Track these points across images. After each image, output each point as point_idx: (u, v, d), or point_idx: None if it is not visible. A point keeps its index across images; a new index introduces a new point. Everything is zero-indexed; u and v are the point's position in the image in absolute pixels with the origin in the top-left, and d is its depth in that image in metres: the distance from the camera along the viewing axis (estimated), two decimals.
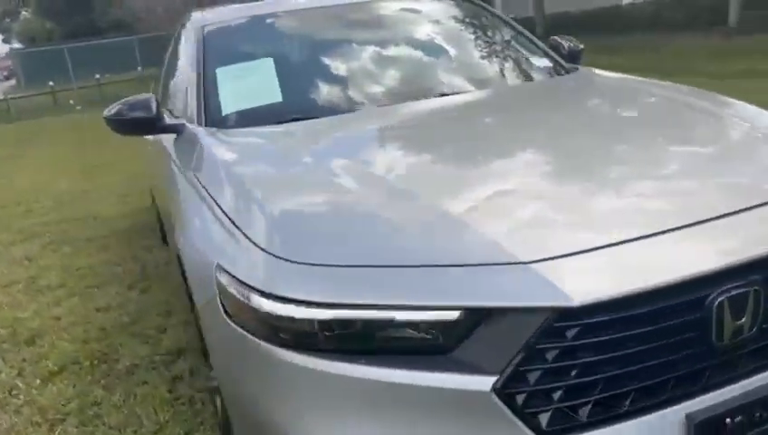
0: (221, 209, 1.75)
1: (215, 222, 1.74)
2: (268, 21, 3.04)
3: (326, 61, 2.81)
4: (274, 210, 1.63)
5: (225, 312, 1.54)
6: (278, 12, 3.10)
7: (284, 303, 1.38)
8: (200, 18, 3.09)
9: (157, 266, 4.16)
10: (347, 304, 1.35)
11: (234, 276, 1.50)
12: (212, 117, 2.49)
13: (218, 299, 1.56)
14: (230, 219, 1.67)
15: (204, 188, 1.95)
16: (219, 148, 2.21)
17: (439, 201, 1.59)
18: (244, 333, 1.46)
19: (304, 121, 2.37)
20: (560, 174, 1.77)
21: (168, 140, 2.70)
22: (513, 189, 1.67)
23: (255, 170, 2.01)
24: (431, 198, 1.62)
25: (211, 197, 1.86)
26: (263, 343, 1.42)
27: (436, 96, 2.60)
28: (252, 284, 1.44)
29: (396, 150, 2.15)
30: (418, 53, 2.93)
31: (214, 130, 2.38)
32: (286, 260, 1.43)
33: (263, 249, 1.48)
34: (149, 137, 3.15)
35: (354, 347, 1.36)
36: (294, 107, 2.53)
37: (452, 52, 2.97)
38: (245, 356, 1.49)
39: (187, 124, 2.53)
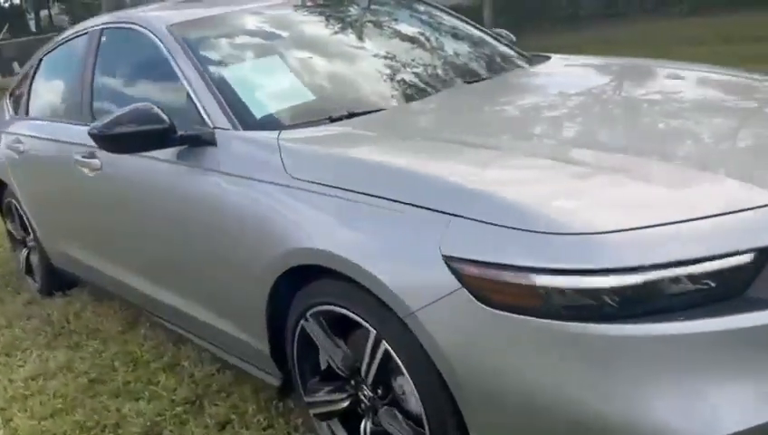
0: (425, 207, 1.63)
1: (407, 221, 1.65)
2: (241, 18, 2.87)
3: (338, 57, 2.74)
4: (521, 192, 1.57)
5: (483, 301, 1.49)
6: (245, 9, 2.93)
7: (571, 275, 1.40)
8: (155, 17, 2.80)
9: None
10: (638, 267, 1.38)
11: (496, 263, 1.48)
12: (245, 120, 2.29)
13: (464, 292, 1.51)
14: (453, 213, 1.58)
15: (354, 191, 1.79)
16: (343, 147, 2.07)
17: (667, 156, 1.74)
18: (525, 317, 1.45)
19: (376, 114, 2.32)
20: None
21: (169, 154, 2.39)
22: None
23: (444, 157, 1.89)
24: (659, 155, 1.74)
25: (383, 198, 1.71)
26: (564, 322, 1.42)
27: (468, 82, 2.66)
28: (532, 264, 1.44)
29: (554, 118, 2.24)
30: (418, 49, 2.93)
31: (279, 132, 2.17)
32: (566, 234, 1.43)
33: (530, 230, 1.46)
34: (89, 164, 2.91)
35: (644, 309, 1.39)
36: (338, 104, 2.41)
37: (447, 45, 3.04)
38: (529, 341, 1.47)
39: (229, 131, 2.26)
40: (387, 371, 1.85)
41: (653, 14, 12.47)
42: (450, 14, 3.29)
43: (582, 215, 1.49)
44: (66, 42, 3.54)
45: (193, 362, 2.92)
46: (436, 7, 3.32)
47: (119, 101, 2.94)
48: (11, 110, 4.04)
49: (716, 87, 2.48)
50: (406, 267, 1.63)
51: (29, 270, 4.20)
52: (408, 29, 3.05)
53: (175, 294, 2.65)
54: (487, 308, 1.49)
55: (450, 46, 3.03)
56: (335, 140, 2.15)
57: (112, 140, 2.35)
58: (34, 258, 4.07)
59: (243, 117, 2.31)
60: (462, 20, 3.28)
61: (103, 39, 3.08)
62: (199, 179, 2.30)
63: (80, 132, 3.03)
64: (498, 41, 3.20)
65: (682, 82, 2.58)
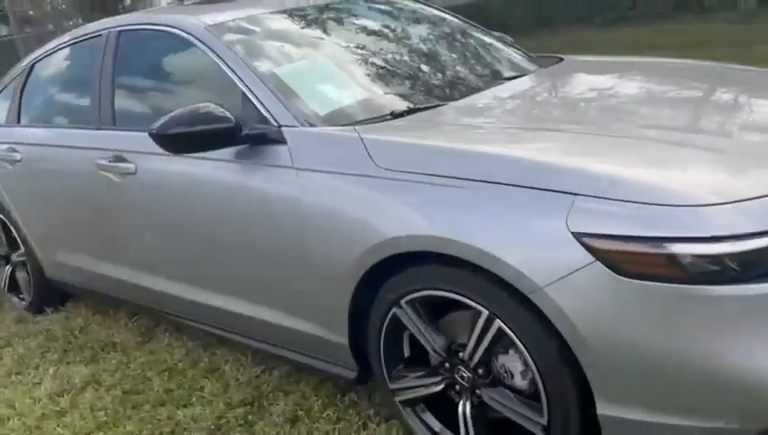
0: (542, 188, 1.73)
1: (523, 203, 1.75)
2: (272, 20, 2.87)
3: (377, 57, 2.77)
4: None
5: (616, 272, 1.60)
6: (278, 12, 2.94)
7: (698, 242, 1.54)
8: (188, 19, 2.74)
9: None
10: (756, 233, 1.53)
11: (628, 235, 1.59)
12: (309, 118, 2.31)
13: (597, 265, 1.61)
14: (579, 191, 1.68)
15: (468, 179, 1.85)
16: (444, 139, 2.13)
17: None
18: (657, 284, 1.57)
19: (439, 109, 2.39)
20: None
21: (222, 154, 2.36)
22: None
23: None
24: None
25: (503, 184, 1.79)
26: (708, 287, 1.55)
27: (505, 79, 2.78)
28: (663, 234, 1.56)
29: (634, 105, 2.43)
30: (447, 51, 3.06)
31: (354, 127, 2.20)
32: (689, 206, 1.57)
33: (658, 204, 1.58)
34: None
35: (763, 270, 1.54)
36: (391, 101, 2.50)
37: (469, 48, 3.15)
38: (661, 306, 1.59)
39: (298, 128, 2.27)
40: (491, 350, 1.93)
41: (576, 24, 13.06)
42: (459, 18, 3.41)
43: (701, 188, 1.63)
44: (65, 47, 3.42)
45: (234, 366, 2.89)
46: (442, 11, 3.44)
47: (151, 103, 2.91)
48: None
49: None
50: (532, 246, 1.72)
51: (12, 287, 4.00)
52: (430, 33, 3.14)
53: (225, 296, 2.62)
54: (620, 278, 1.61)
55: (470, 49, 3.14)
56: (427, 133, 2.21)
57: (175, 140, 2.32)
58: (22, 274, 3.89)
59: (306, 115, 2.33)
60: (471, 24, 3.40)
61: (122, 42, 3.00)
62: (268, 177, 2.30)
63: (103, 137, 2.97)
64: (505, 43, 3.35)
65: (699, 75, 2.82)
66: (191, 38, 2.66)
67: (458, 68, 2.85)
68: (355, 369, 2.33)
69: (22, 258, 3.82)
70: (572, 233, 1.65)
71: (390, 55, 2.82)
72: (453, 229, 1.83)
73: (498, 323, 1.84)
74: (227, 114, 2.28)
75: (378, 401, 2.48)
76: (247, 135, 2.32)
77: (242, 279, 2.53)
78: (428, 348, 2.07)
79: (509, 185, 1.78)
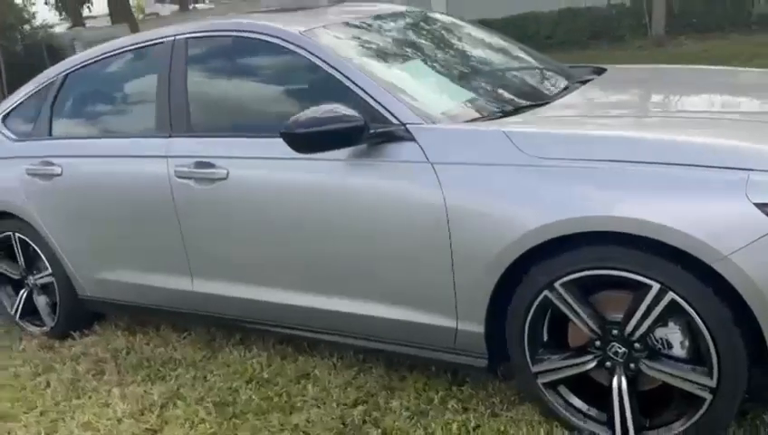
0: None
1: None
2: (358, 27, 2.99)
3: (464, 62, 2.97)
4: None
5: None
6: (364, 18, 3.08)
7: None
8: (285, 27, 2.75)
9: None
10: None
11: None
12: (430, 116, 2.39)
13: None
14: None
15: (638, 162, 2.00)
16: (597, 127, 2.31)
17: None
18: None
19: (548, 106, 2.57)
20: None
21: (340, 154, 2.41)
22: None
23: None
24: None
25: (679, 165, 1.96)
26: None
27: (580, 83, 2.94)
28: None
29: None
30: (514, 61, 3.26)
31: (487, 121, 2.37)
32: None
33: None
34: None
35: None
36: (493, 101, 2.66)
37: (529, 60, 3.31)
38: None
39: (427, 125, 2.35)
40: (656, 323, 2.07)
41: None
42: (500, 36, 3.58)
43: None
44: (109, 56, 3.30)
45: (325, 371, 2.88)
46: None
47: (244, 108, 2.87)
48: (11, 134, 3.63)
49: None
50: (714, 219, 1.89)
51: (26, 313, 3.75)
52: (494, 44, 3.30)
53: (337, 298, 2.61)
54: None
55: (526, 62, 3.30)
56: (569, 124, 2.40)
57: (306, 139, 2.34)
58: (41, 298, 3.67)
59: (427, 114, 2.42)
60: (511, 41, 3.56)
61: (193, 49, 2.96)
62: (398, 173, 2.36)
63: (179, 144, 2.90)
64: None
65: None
66: (286, 44, 2.68)
67: (527, 77, 3.03)
68: (486, 357, 2.41)
69: (45, 280, 3.60)
70: (754, 204, 1.83)
71: (472, 63, 2.97)
72: (632, 209, 1.97)
73: (671, 294, 1.99)
74: (356, 114, 2.33)
75: (493, 390, 2.57)
76: (374, 133, 2.37)
77: (361, 278, 2.54)
78: (583, 327, 2.18)
79: (683, 165, 1.95)
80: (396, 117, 2.40)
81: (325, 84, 2.58)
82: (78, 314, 3.61)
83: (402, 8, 3.42)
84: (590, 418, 2.27)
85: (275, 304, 2.79)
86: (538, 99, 2.70)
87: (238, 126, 2.85)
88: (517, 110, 2.55)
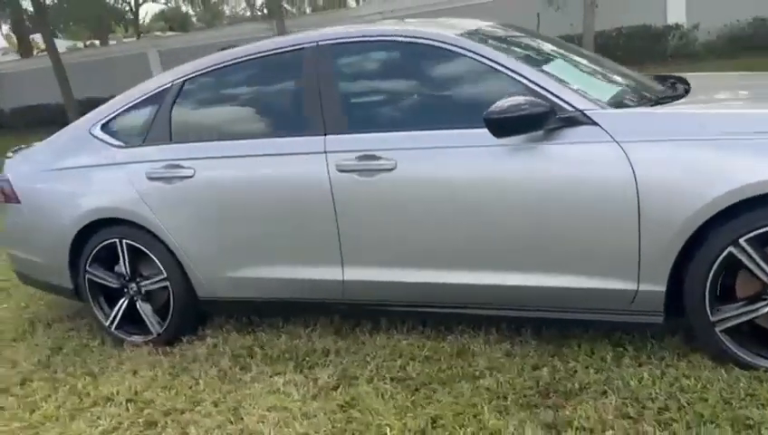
0: None
1: None
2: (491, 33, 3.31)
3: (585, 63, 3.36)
4: None
5: None
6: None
7: None
8: (441, 30, 3.07)
9: None
10: None
11: None
12: (600, 103, 2.74)
13: None
14: None
15: None
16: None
17: None
18: None
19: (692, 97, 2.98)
20: None
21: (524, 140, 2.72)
22: None
23: None
24: None
25: None
26: None
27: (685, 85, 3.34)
28: None
29: None
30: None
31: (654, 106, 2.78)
32: None
33: None
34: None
35: None
36: (638, 93, 3.05)
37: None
38: None
39: (603, 110, 2.70)
40: None
41: None
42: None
43: None
44: (233, 63, 3.43)
45: (481, 345, 3.11)
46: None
47: (399, 105, 3.12)
48: (114, 141, 3.66)
49: None
50: None
51: (122, 324, 3.72)
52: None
53: (507, 274, 2.87)
54: None
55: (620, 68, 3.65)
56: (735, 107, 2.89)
57: (504, 124, 2.65)
58: (147, 306, 3.66)
59: (598, 100, 2.77)
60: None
61: (339, 53, 3.17)
62: (586, 153, 2.68)
63: (340, 141, 3.08)
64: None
65: None
66: (448, 46, 2.96)
67: (642, 79, 3.44)
68: (662, 314, 2.74)
69: (157, 285, 3.60)
70: None
71: (593, 65, 3.35)
72: None
73: None
74: (543, 102, 2.65)
75: (657, 346, 2.90)
76: (560, 118, 2.69)
77: (542, 252, 2.81)
78: (763, 277, 2.56)
79: None
80: (571, 104, 2.73)
81: (488, 80, 2.90)
82: (190, 318, 3.64)
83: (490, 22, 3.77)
84: (761, 356, 2.64)
85: (438, 285, 3.00)
86: (670, 95, 3.11)
87: (401, 121, 3.08)
88: (658, 101, 2.95)
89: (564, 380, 2.76)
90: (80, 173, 3.70)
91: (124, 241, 3.59)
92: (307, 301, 3.37)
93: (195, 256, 3.46)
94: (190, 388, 3.13)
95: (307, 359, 3.24)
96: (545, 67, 3.01)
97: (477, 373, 2.89)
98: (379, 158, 2.98)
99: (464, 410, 2.64)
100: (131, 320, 3.73)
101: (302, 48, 3.26)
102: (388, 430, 2.58)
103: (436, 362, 3.03)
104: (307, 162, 3.13)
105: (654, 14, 14.11)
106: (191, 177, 3.37)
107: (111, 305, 3.77)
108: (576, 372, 2.81)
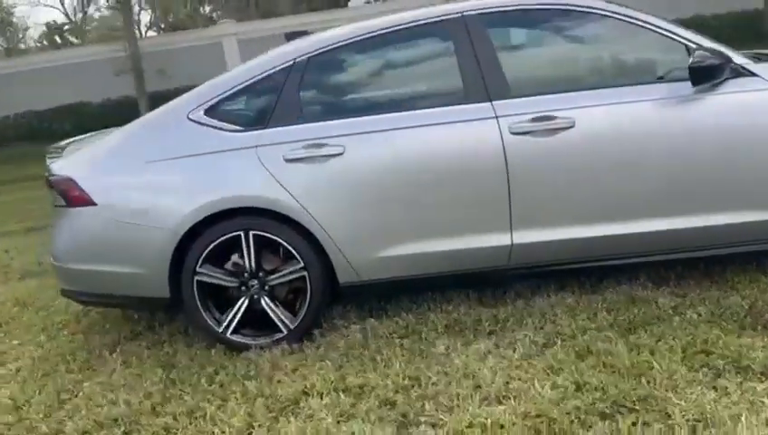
0: None
1: None
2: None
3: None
4: None
5: None
6: None
7: None
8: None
9: None
10: None
11: None
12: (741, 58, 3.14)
13: None
14: None
15: None
16: None
17: None
18: None
19: None
20: None
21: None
22: None
23: None
24: None
25: None
26: None
27: None
28: None
29: None
30: None
31: None
32: None
33: None
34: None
35: None
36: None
37: None
38: None
39: (758, 64, 3.10)
40: None
41: None
42: None
43: None
44: (366, 38, 3.35)
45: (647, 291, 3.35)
46: None
47: (567, 68, 3.28)
48: (227, 125, 3.35)
49: None
50: None
51: (243, 324, 3.38)
52: None
53: (684, 218, 3.15)
54: None
55: None
56: None
57: (706, 72, 2.99)
58: (272, 302, 3.36)
59: (737, 56, 3.18)
60: None
61: (492, 21, 3.26)
62: (757, 98, 3.08)
63: (510, 105, 3.17)
64: None
65: None
66: (599, 11, 3.23)
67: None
68: None
69: (290, 277, 3.33)
70: None
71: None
72: None
73: None
74: (722, 56, 3.02)
75: None
76: (733, 68, 3.07)
77: (727, 191, 3.12)
78: None
79: None
80: (731, 58, 3.11)
81: (645, 40, 3.21)
82: (323, 308, 3.43)
83: None
84: None
85: (614, 237, 3.19)
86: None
87: (569, 82, 3.25)
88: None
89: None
90: (185, 163, 3.33)
91: (251, 233, 3.29)
92: (466, 272, 3.36)
93: (342, 239, 3.28)
94: (389, 367, 2.96)
95: (481, 327, 3.23)
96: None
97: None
98: (554, 118, 3.13)
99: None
100: (241, 322, 3.40)
101: (447, 20, 3.30)
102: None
103: (618, 311, 3.20)
104: (475, 128, 3.16)
105: None
106: (340, 154, 3.22)
107: (220, 310, 3.41)
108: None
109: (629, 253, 3.29)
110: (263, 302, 3.37)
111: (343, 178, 3.25)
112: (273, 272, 3.36)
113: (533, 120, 3.13)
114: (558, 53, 3.41)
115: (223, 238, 3.30)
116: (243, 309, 3.37)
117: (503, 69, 3.23)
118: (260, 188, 3.27)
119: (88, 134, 4.02)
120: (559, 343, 2.96)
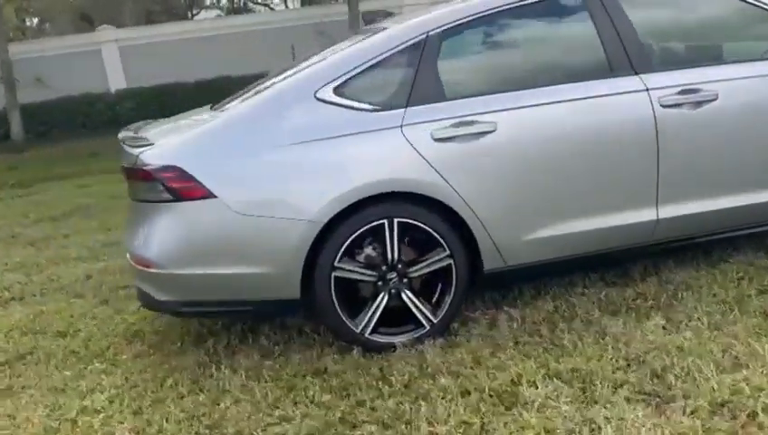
0: None
1: None
2: None
3: None
4: None
5: None
6: None
7: None
8: None
9: None
10: None
11: None
12: None
13: None
14: None
15: None
16: None
17: None
18: None
19: None
20: None
21: None
22: None
23: None
24: None
25: None
26: None
27: None
28: None
29: None
30: None
31: None
32: None
33: None
34: None
35: None
36: None
37: None
38: None
39: None
40: None
41: None
42: None
43: None
44: (503, 10, 3.20)
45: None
46: None
47: (705, 40, 3.34)
48: (361, 104, 3.04)
49: None
50: None
51: (382, 322, 3.07)
52: None
53: None
54: None
55: None
56: None
57: None
58: (412, 295, 3.08)
59: None
60: None
61: None
62: None
63: (658, 78, 3.16)
64: None
65: None
66: None
67: None
68: None
69: (434, 266, 3.06)
70: None
71: None
72: None
73: None
74: None
75: None
76: None
77: None
78: None
79: None
80: None
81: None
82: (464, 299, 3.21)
83: None
84: None
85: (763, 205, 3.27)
86: None
87: (710, 56, 3.30)
88: None
89: None
90: (321, 146, 2.97)
91: (395, 220, 3.01)
92: (609, 250, 3.28)
93: (492, 222, 3.08)
94: (587, 350, 2.81)
95: (636, 304, 3.18)
96: None
97: None
98: (699, 90, 3.15)
99: None
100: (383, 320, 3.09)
101: None
102: None
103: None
104: (627, 102, 3.12)
105: None
106: (492, 131, 3.03)
107: (354, 308, 3.08)
108: None
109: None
110: (404, 295, 3.09)
111: (494, 156, 3.06)
112: (412, 263, 3.09)
113: (681, 92, 3.14)
114: (695, 26, 3.46)
115: (365, 228, 2.99)
116: (382, 305, 3.07)
117: (644, 42, 3.22)
118: (410, 171, 3.00)
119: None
120: (736, 309, 2.98)
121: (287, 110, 3.06)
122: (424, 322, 3.10)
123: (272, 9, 23.00)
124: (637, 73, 3.16)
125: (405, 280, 3.08)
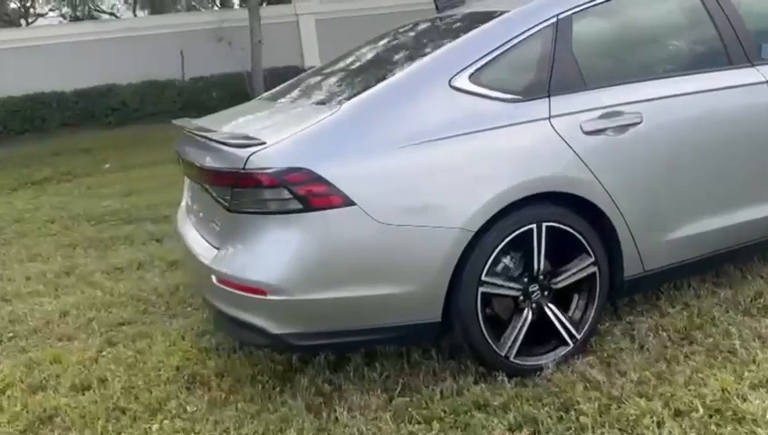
0: None
1: None
2: None
3: None
4: None
5: None
6: None
7: None
8: None
9: None
10: None
11: None
12: None
13: None
14: None
15: None
16: None
17: None
18: None
19: None
20: None
21: None
22: None
23: None
24: None
25: None
26: None
27: None
28: None
29: None
30: None
31: None
32: None
33: None
34: None
35: None
36: None
37: None
38: None
39: None
40: None
41: None
42: None
43: None
44: None
45: None
46: None
47: None
48: (500, 94, 2.65)
49: None
50: None
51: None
52: None
53: None
54: None
55: None
56: None
57: None
58: (556, 309, 2.74)
59: None
60: None
61: None
62: None
63: None
64: None
65: None
66: None
67: None
68: None
69: (579, 276, 2.74)
70: None
71: None
72: None
73: None
74: None
75: None
76: None
77: None
78: None
79: None
80: None
81: None
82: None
83: None
84: None
85: None
86: None
87: None
88: None
89: None
90: (466, 141, 2.55)
91: (543, 225, 2.65)
92: (739, 247, 3.11)
93: (636, 224, 2.80)
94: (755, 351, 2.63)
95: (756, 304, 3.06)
96: None
97: None
98: None
99: None
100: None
101: None
102: None
103: None
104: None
105: None
106: (638, 123, 2.77)
107: (494, 328, 2.68)
108: None
109: None
110: (547, 310, 2.74)
111: (640, 150, 2.80)
112: (553, 273, 2.75)
113: None
114: None
115: (514, 235, 2.60)
116: (527, 323, 2.70)
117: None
118: (566, 168, 2.66)
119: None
120: None
121: (423, 100, 2.60)
122: (567, 338, 2.76)
123: (117, 18, 21.29)
124: (753, 65, 3.05)
125: (546, 293, 2.73)
